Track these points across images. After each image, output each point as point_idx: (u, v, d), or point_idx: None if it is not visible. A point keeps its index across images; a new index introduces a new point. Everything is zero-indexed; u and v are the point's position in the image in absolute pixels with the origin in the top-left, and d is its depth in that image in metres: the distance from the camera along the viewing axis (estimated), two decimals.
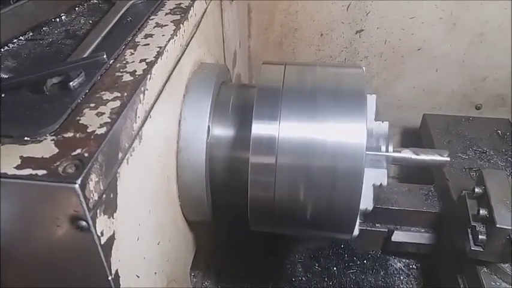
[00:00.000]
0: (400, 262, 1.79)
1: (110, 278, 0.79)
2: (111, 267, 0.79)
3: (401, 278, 1.74)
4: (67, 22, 1.13)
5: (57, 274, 0.82)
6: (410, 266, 1.78)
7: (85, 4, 1.21)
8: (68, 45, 1.03)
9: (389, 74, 2.17)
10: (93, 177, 0.70)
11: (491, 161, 1.74)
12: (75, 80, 0.86)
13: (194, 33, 1.23)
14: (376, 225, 1.75)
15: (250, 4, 2.04)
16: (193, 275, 1.51)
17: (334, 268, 1.76)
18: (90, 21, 1.13)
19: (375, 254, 1.80)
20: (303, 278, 1.74)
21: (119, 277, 0.82)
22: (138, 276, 0.93)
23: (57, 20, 1.13)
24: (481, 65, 2.06)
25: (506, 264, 1.34)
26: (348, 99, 1.10)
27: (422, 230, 1.71)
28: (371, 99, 1.21)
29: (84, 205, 0.68)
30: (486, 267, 1.38)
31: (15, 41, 1.04)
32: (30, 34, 1.07)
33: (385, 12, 1.98)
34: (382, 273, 1.75)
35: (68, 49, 1.01)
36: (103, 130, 0.76)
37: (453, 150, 1.80)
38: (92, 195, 0.70)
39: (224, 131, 1.20)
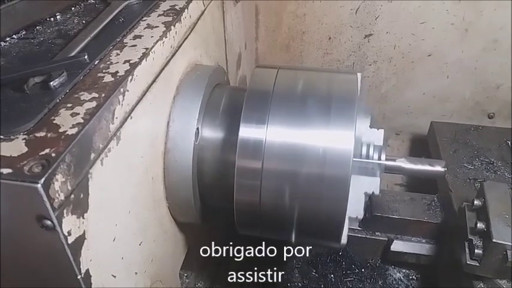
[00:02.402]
0: (399, 272, 1.75)
1: (78, 277, 0.80)
2: (81, 267, 0.80)
3: None
4: (61, 22, 1.14)
5: (29, 273, 0.83)
6: (410, 277, 1.73)
7: (82, 4, 1.23)
8: (58, 44, 1.04)
9: (399, 80, 2.12)
10: (59, 177, 0.71)
11: (498, 173, 1.68)
12: (56, 79, 0.87)
13: (188, 35, 1.23)
14: (376, 233, 1.71)
15: (258, 6, 2.03)
16: (186, 276, 1.51)
17: (332, 275, 1.73)
18: (84, 21, 1.14)
19: (374, 262, 1.76)
20: (299, 284, 1.72)
21: (90, 276, 0.83)
22: (115, 276, 0.94)
23: (52, 19, 1.15)
24: (494, 72, 2.00)
25: (503, 281, 1.29)
26: (338, 105, 1.08)
27: (423, 241, 1.67)
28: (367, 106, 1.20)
29: (48, 205, 0.69)
30: (483, 283, 1.33)
31: (7, 39, 1.05)
32: (23, 33, 1.08)
33: (394, 17, 1.95)
34: (380, 282, 1.71)
35: (56, 48, 1.02)
36: (74, 130, 0.76)
37: (459, 160, 1.75)
38: (57, 195, 0.70)
39: (214, 134, 1.19)
